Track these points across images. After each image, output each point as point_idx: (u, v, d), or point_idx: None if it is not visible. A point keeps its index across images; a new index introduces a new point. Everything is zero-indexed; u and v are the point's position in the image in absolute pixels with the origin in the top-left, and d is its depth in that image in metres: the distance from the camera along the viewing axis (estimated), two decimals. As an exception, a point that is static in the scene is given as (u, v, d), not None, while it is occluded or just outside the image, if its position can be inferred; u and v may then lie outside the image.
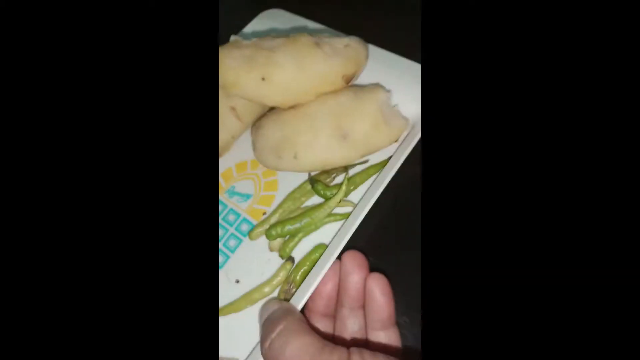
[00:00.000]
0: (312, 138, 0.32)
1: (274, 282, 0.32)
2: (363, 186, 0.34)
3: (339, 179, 0.35)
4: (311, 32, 0.36)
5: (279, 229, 0.32)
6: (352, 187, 0.34)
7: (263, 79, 0.30)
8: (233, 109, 0.35)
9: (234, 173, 0.38)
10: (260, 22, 0.44)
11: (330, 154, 0.32)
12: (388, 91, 0.33)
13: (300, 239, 0.33)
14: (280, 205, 0.35)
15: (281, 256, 0.33)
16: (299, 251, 0.33)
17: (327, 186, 0.34)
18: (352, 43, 0.33)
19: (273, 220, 0.34)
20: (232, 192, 0.37)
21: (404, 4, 0.50)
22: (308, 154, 0.32)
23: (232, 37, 0.33)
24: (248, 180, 0.38)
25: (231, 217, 0.36)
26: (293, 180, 0.36)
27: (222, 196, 0.37)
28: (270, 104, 0.32)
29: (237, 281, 0.33)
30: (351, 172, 0.35)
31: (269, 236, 0.33)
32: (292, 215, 0.34)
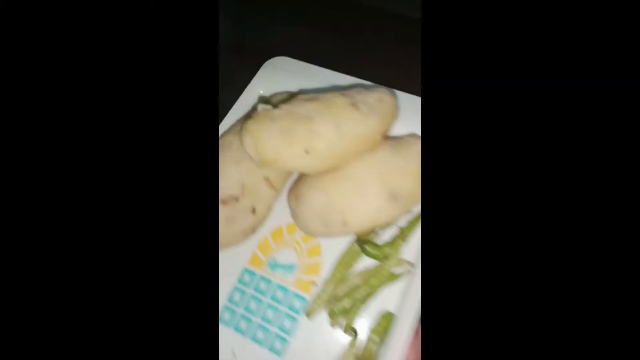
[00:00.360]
0: (361, 202, 0.30)
1: (346, 363, 0.29)
2: (412, 238, 0.33)
3: (383, 233, 0.34)
4: (337, 88, 0.35)
5: (342, 305, 0.30)
6: (400, 241, 0.33)
7: (307, 152, 0.29)
8: (267, 179, 0.33)
9: (272, 243, 0.36)
10: (268, 74, 0.41)
11: (380, 214, 0.31)
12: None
13: (359, 308, 0.31)
14: (333, 275, 0.33)
15: (346, 331, 0.31)
16: (359, 321, 0.31)
17: (377, 246, 0.33)
18: (384, 96, 0.32)
19: (328, 291, 0.32)
20: (274, 265, 0.35)
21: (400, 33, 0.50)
22: (358, 218, 0.31)
23: (261, 107, 0.31)
24: (287, 249, 0.35)
25: (280, 294, 0.33)
26: (335, 241, 0.34)
27: (264, 271, 0.35)
28: (312, 173, 0.31)
29: (304, 367, 0.30)
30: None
31: (331, 315, 0.31)
32: (346, 282, 0.32)
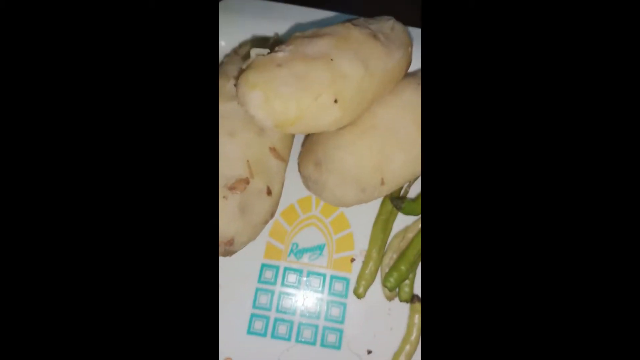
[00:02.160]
0: (399, 154, 0.25)
1: (413, 337, 0.26)
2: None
3: (413, 186, 0.30)
4: (322, 23, 0.28)
5: (396, 276, 0.26)
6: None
7: (336, 100, 0.22)
8: (273, 148, 0.25)
9: (286, 226, 0.29)
10: (228, 18, 0.31)
11: (419, 164, 0.27)
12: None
13: (415, 272, 0.28)
14: (373, 243, 0.28)
15: (405, 300, 0.27)
16: (418, 284, 0.28)
17: (412, 200, 0.29)
18: (395, 25, 0.26)
19: (373, 262, 0.28)
20: (298, 252, 0.29)
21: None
22: (397, 174, 0.26)
23: (255, 52, 0.22)
24: (308, 229, 0.29)
25: (315, 282, 0.28)
26: (361, 207, 0.29)
27: (288, 261, 0.28)
28: (339, 127, 0.24)
29: (369, 352, 0.26)
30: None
31: (389, 287, 0.26)
32: (391, 247, 0.28)
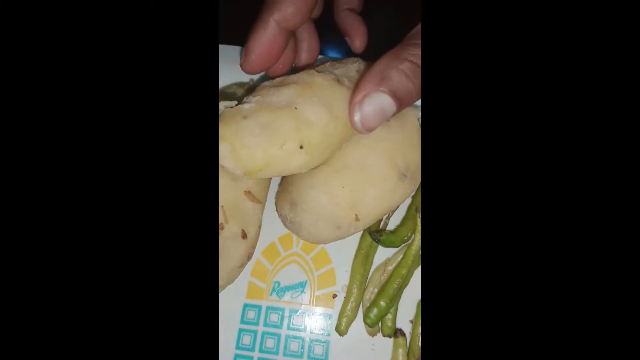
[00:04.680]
0: (370, 190, 0.26)
1: (398, 369, 0.26)
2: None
3: (393, 217, 0.30)
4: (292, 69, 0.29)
5: (376, 312, 0.26)
6: (417, 216, 0.30)
7: (301, 146, 0.23)
8: (248, 192, 0.26)
9: (267, 265, 0.30)
10: None
11: (394, 197, 0.27)
12: (416, 107, 0.29)
13: (397, 305, 0.28)
14: (353, 278, 0.28)
15: (387, 335, 0.27)
16: (401, 317, 0.28)
17: (391, 232, 0.29)
18: (360, 66, 0.27)
19: (354, 297, 0.28)
20: (280, 290, 0.29)
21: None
22: (370, 209, 0.27)
23: (223, 105, 0.23)
24: (289, 266, 0.30)
25: (298, 320, 0.28)
26: (341, 242, 0.30)
27: (269, 300, 0.28)
28: (309, 169, 0.25)
29: (354, 392, 0.26)
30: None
31: (369, 322, 0.26)
32: (371, 282, 0.28)
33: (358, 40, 0.30)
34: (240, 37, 0.28)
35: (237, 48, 0.34)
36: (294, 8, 0.25)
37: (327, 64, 0.27)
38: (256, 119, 0.22)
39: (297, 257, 0.30)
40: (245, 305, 0.28)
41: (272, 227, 0.29)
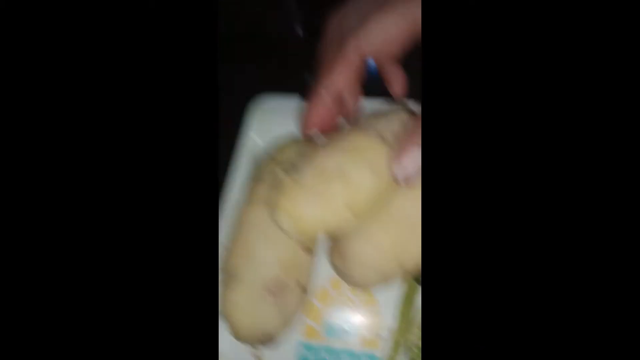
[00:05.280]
0: (413, 239, 0.28)
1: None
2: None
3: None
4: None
5: (416, 351, 0.28)
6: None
7: (349, 209, 0.25)
8: (302, 244, 0.29)
9: (319, 306, 0.32)
10: (259, 118, 0.36)
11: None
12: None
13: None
14: (400, 320, 0.30)
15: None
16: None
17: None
18: (403, 117, 0.29)
19: (400, 339, 0.30)
20: (331, 330, 0.31)
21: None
22: (413, 257, 0.28)
23: (282, 175, 0.26)
24: (338, 307, 0.32)
25: (349, 360, 0.30)
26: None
27: (324, 339, 0.31)
28: (355, 225, 0.27)
29: None
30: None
31: None
32: (416, 323, 0.30)
33: (397, 87, 0.32)
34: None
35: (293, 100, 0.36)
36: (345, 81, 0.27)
37: (371, 116, 0.29)
38: (311, 188, 0.25)
39: (346, 299, 0.32)
40: (303, 345, 0.31)
41: (323, 272, 0.32)
